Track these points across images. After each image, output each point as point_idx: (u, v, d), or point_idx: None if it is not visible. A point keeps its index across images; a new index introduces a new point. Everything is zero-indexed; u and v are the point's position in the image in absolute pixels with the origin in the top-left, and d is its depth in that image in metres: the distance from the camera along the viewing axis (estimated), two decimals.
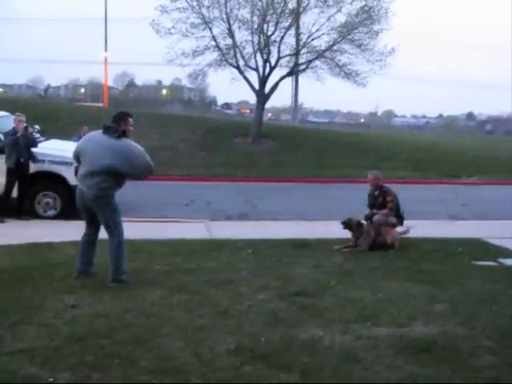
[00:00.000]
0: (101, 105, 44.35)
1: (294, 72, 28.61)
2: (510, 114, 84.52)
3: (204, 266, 7.43)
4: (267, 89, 27.19)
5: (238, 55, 26.59)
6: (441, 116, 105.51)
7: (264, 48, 26.45)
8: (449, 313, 5.65)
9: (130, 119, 6.61)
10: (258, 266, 7.46)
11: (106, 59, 45.24)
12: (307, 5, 26.44)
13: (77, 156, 6.65)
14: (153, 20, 26.00)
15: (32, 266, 7.23)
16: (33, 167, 11.31)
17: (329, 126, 58.57)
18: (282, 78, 27.52)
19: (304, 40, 27.15)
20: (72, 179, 10.07)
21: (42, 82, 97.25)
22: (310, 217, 12.29)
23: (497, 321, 5.42)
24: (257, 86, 27.02)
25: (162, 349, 4.56)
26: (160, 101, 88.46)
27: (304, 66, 28.08)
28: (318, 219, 11.90)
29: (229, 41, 26.60)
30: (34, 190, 11.39)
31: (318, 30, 26.64)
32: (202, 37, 26.38)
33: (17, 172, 11.06)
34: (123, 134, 6.40)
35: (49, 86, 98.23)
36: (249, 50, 26.91)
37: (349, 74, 27.09)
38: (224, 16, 26.07)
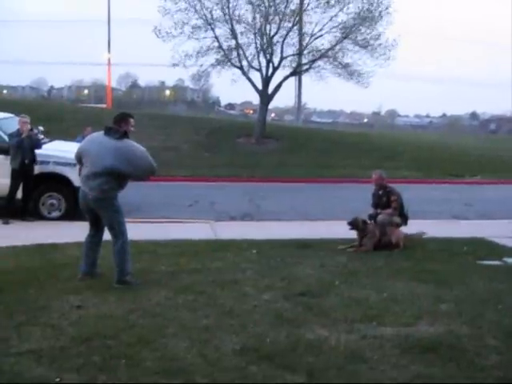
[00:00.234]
0: (104, 106, 44.37)
1: (297, 72, 28.60)
2: None
3: (209, 266, 7.44)
4: (270, 89, 27.20)
5: (241, 56, 26.62)
6: (444, 115, 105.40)
7: (267, 48, 26.46)
8: (454, 312, 5.64)
9: (131, 120, 6.62)
10: (263, 267, 7.47)
11: (109, 60, 45.22)
12: (308, 5, 26.49)
13: (79, 158, 6.65)
14: (155, 27, 26.05)
15: (37, 267, 7.25)
16: (37, 168, 11.34)
17: (332, 126, 58.61)
18: (285, 78, 27.53)
19: (307, 40, 27.18)
20: (76, 180, 10.07)
21: (45, 84, 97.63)
22: (313, 217, 12.29)
23: (502, 320, 5.41)
24: (260, 87, 27.03)
25: (168, 349, 4.57)
26: (163, 102, 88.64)
27: (307, 66, 28.08)
28: (321, 219, 11.90)
29: (232, 42, 26.64)
30: (39, 191, 11.41)
31: (320, 30, 26.68)
32: (205, 38, 26.45)
33: (21, 173, 11.07)
34: (124, 134, 6.41)
35: (52, 88, 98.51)
36: (252, 50, 26.96)
37: (352, 74, 27.09)
38: (227, 17, 26.09)
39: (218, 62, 26.97)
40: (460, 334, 5.01)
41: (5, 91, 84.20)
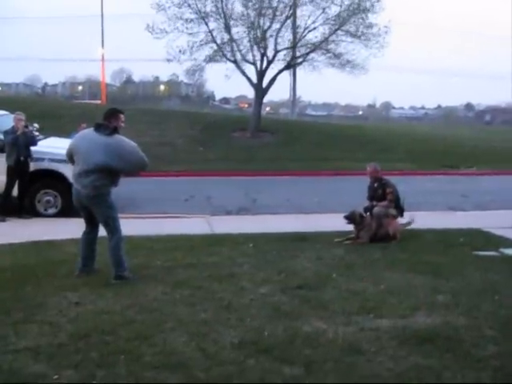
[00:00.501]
0: (99, 102, 44.26)
1: (291, 65, 28.57)
2: (508, 104, 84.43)
3: (205, 260, 7.45)
4: (265, 83, 27.19)
5: (235, 50, 26.56)
6: (439, 107, 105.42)
7: (261, 42, 26.41)
8: (451, 303, 5.66)
9: (122, 115, 6.61)
10: (260, 260, 7.48)
11: (102, 56, 45.13)
12: None
13: (70, 155, 6.63)
14: (148, 25, 25.99)
15: (34, 264, 7.25)
16: (33, 165, 11.32)
17: (327, 119, 58.59)
18: (280, 71, 27.50)
19: (300, 33, 27.13)
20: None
21: (39, 81, 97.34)
22: (309, 210, 12.30)
23: (499, 311, 5.43)
24: (255, 80, 26.99)
25: (167, 344, 4.57)
26: (158, 97, 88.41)
27: (301, 59, 28.05)
28: (317, 212, 11.92)
29: (225, 35, 26.58)
30: (35, 188, 11.39)
31: (314, 22, 26.66)
32: (198, 32, 26.39)
33: (17, 170, 11.06)
34: (115, 130, 6.40)
35: (46, 85, 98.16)
36: (246, 44, 26.91)
37: (345, 64, 27.06)
38: (220, 11, 26.03)
39: (212, 56, 26.91)
40: (457, 325, 5.02)
41: None
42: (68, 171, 10.84)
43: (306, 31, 26.93)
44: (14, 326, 4.95)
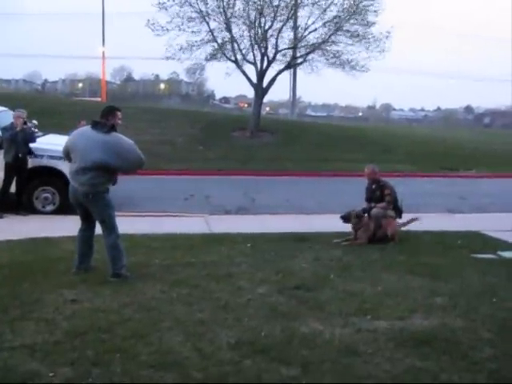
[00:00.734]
0: (99, 99, 44.25)
1: (291, 65, 28.55)
2: (508, 107, 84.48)
3: (203, 260, 7.43)
4: (265, 83, 27.13)
5: (236, 49, 26.55)
6: (439, 109, 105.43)
7: (261, 42, 26.39)
8: (448, 305, 5.66)
9: (119, 113, 6.59)
10: (258, 260, 7.47)
11: (103, 54, 45.12)
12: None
13: (66, 152, 6.60)
14: (148, 20, 25.98)
15: (31, 261, 7.24)
16: (31, 162, 11.30)
17: (327, 120, 58.56)
18: (280, 71, 27.45)
19: (301, 34, 27.11)
20: None
21: (39, 77, 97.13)
22: (308, 210, 12.29)
23: (497, 313, 5.43)
24: (255, 80, 26.97)
25: (163, 343, 4.56)
26: (158, 95, 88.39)
27: (301, 60, 28.03)
28: (316, 213, 11.91)
29: (226, 34, 26.57)
30: (33, 185, 11.38)
31: (313, 23, 26.63)
32: (199, 31, 26.36)
33: (15, 167, 11.05)
34: (112, 128, 6.38)
35: (46, 81, 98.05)
36: (246, 43, 26.89)
37: (345, 64, 27.01)
38: (221, 10, 26.01)
39: (212, 56, 26.90)
40: (454, 327, 5.03)
41: None
42: (66, 168, 10.84)
43: (307, 32, 26.91)
44: (11, 324, 4.94)
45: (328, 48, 26.81)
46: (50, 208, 11.44)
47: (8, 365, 4.13)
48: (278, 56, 26.96)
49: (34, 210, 11.32)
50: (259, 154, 23.37)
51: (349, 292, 6.06)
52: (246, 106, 75.10)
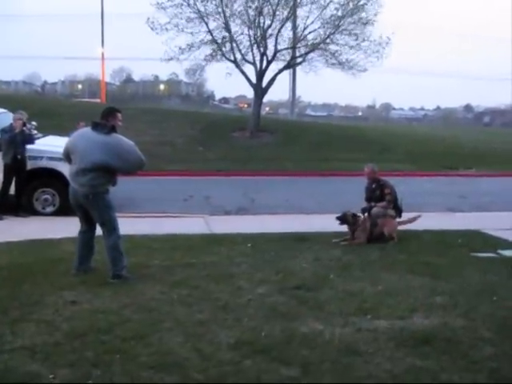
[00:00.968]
0: (98, 101, 44.25)
1: (291, 65, 28.54)
2: (507, 106, 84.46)
3: (203, 260, 7.43)
4: (264, 83, 27.13)
5: (235, 49, 26.55)
6: (438, 108, 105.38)
7: (261, 42, 26.39)
8: (449, 305, 5.65)
9: (119, 114, 6.58)
10: (258, 260, 7.47)
11: (102, 55, 45.09)
12: None
13: (66, 153, 6.59)
14: (148, 18, 25.99)
15: (31, 262, 7.23)
16: (31, 164, 11.30)
17: (327, 120, 58.56)
18: (280, 71, 27.45)
19: (300, 33, 27.11)
20: None
21: (38, 79, 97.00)
22: (308, 210, 12.29)
23: (497, 312, 5.43)
24: (254, 80, 26.96)
25: (163, 344, 4.56)
26: (158, 96, 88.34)
27: (301, 59, 28.02)
28: (316, 213, 11.90)
29: (225, 34, 26.55)
30: (33, 186, 11.37)
31: (312, 23, 26.63)
32: (199, 31, 26.37)
33: (14, 168, 11.05)
34: (112, 129, 6.38)
35: (46, 83, 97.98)
36: (245, 43, 26.89)
37: (344, 64, 27.00)
38: (220, 9, 26.01)
39: (212, 56, 26.90)
40: (455, 327, 5.02)
41: None
42: (66, 170, 10.84)
43: (307, 31, 26.91)
44: (11, 325, 4.94)
45: (327, 48, 26.80)
46: (49, 209, 11.43)
47: (8, 366, 4.13)
48: (278, 55, 26.97)
49: (33, 212, 11.31)
50: (259, 154, 23.37)
51: (349, 292, 6.06)
52: (245, 106, 75.03)
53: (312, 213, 11.95)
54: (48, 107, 27.16)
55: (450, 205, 13.39)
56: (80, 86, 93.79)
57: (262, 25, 26.33)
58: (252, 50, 26.74)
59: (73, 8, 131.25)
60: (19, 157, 11.02)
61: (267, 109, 74.67)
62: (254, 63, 26.75)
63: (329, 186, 17.31)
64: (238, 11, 26.31)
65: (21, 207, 11.24)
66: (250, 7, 26.02)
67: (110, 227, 6.45)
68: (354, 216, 8.90)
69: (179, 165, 20.67)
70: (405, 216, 9.35)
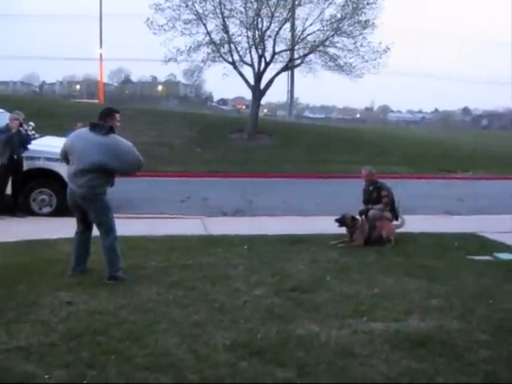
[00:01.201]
0: (96, 101, 44.21)
1: (289, 67, 28.57)
2: (505, 109, 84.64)
3: (200, 261, 7.43)
4: (262, 84, 27.15)
5: (233, 51, 26.57)
6: (436, 111, 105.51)
7: (259, 43, 26.40)
8: (445, 307, 5.65)
9: (117, 115, 6.58)
10: (254, 262, 7.46)
11: (101, 55, 45.05)
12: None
13: (64, 154, 6.58)
14: (147, 19, 26.01)
15: (27, 263, 7.22)
16: (28, 164, 11.30)
17: (325, 122, 58.53)
18: (278, 73, 27.50)
19: (299, 35, 27.13)
20: None
21: (37, 79, 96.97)
22: (306, 212, 12.29)
23: (492, 315, 5.43)
24: (252, 82, 26.98)
25: (158, 345, 4.55)
26: (156, 97, 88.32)
27: (299, 61, 28.04)
28: (314, 215, 11.91)
29: (223, 36, 26.57)
30: (30, 187, 11.36)
31: (311, 25, 26.66)
32: (197, 33, 26.39)
33: (10, 169, 11.04)
34: (110, 130, 6.37)
35: (44, 83, 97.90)
36: (244, 45, 26.92)
37: (343, 67, 27.04)
38: (218, 11, 26.02)
39: (210, 58, 26.92)
40: (450, 329, 5.02)
41: None
42: (63, 170, 10.84)
43: (305, 33, 26.94)
44: (6, 326, 4.93)
45: (326, 50, 26.83)
46: (46, 210, 11.42)
47: (3, 367, 4.12)
48: (276, 57, 27.00)
49: (30, 212, 11.31)
50: (257, 155, 23.38)
51: (345, 294, 6.05)
52: (244, 107, 75.06)
53: (310, 215, 11.96)
54: (46, 108, 27.16)
55: (448, 208, 13.40)
56: (78, 87, 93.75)
57: (260, 26, 26.35)
58: (250, 52, 26.82)
59: (71, 9, 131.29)
60: (16, 157, 11.02)
61: (265, 110, 74.70)
62: (252, 65, 26.78)
63: (326, 188, 17.32)
64: (236, 12, 26.34)
65: (18, 207, 11.23)
66: (250, 8, 26.03)
67: (107, 228, 6.44)
68: (353, 219, 8.91)
69: (177, 166, 20.68)
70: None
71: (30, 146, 11.32)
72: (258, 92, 27.23)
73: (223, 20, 26.11)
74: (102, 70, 47.65)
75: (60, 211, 10.96)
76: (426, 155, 25.32)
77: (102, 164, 6.23)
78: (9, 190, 11.16)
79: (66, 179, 6.71)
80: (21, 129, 11.18)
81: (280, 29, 26.65)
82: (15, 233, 9.20)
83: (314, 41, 26.90)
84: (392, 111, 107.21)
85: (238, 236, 9.07)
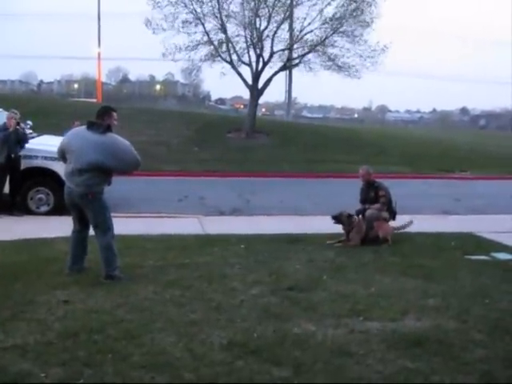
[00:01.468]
0: (94, 100, 44.20)
1: (287, 67, 28.57)
2: (503, 109, 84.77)
3: (197, 261, 7.43)
4: (260, 84, 27.15)
5: (231, 50, 26.56)
6: (434, 111, 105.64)
7: (257, 43, 26.40)
8: (441, 307, 5.66)
9: (114, 113, 6.56)
10: (251, 261, 7.46)
11: (99, 54, 45.07)
12: None
13: (61, 153, 6.57)
14: (146, 18, 26.02)
15: (24, 261, 7.22)
16: (26, 163, 11.29)
17: (323, 122, 58.58)
18: (276, 72, 27.49)
19: (297, 34, 27.13)
20: None
21: (35, 78, 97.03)
22: (303, 212, 12.30)
23: (489, 315, 5.44)
24: (250, 81, 26.97)
25: (155, 344, 4.56)
26: (154, 96, 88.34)
27: (297, 61, 28.03)
28: (311, 214, 11.92)
29: (221, 36, 26.58)
30: (27, 185, 11.35)
31: (309, 24, 26.66)
32: (195, 33, 26.39)
33: (8, 167, 11.03)
34: (108, 128, 6.36)
35: (42, 82, 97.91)
36: (242, 45, 26.91)
37: (341, 67, 27.05)
38: (216, 11, 26.02)
39: (208, 57, 26.91)
40: (447, 329, 5.03)
41: None
42: (61, 169, 10.83)
43: (303, 32, 26.93)
44: (3, 324, 4.93)
45: (324, 50, 26.83)
46: (44, 209, 11.42)
47: None
48: (274, 57, 27.01)
49: (28, 211, 11.30)
50: (254, 155, 23.38)
51: (342, 293, 6.06)
52: (242, 107, 75.04)
53: (307, 214, 11.96)
54: (44, 106, 27.14)
55: (445, 207, 13.42)
56: (76, 86, 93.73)
57: (258, 26, 26.36)
58: (248, 52, 26.80)
59: (70, 8, 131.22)
60: (13, 156, 11.01)
61: (263, 110, 74.77)
62: (250, 64, 26.78)
63: (324, 188, 17.32)
64: (234, 12, 26.35)
65: (15, 206, 11.22)
66: (248, 8, 26.02)
67: (105, 227, 6.43)
68: (350, 217, 8.91)
69: (174, 165, 20.68)
70: (398, 218, 9.36)
71: (27, 145, 11.31)
72: (256, 91, 27.23)
73: (221, 20, 26.10)
74: (100, 69, 47.79)
75: (57, 210, 10.97)
76: (424, 155, 25.34)
77: (99, 163, 6.22)
78: (6, 189, 11.14)
79: (64, 178, 6.69)
80: (18, 127, 11.16)
81: (278, 29, 26.66)
82: (13, 231, 9.19)
83: (312, 40, 26.91)
84: (390, 111, 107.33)
85: (235, 235, 9.07)
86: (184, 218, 11.38)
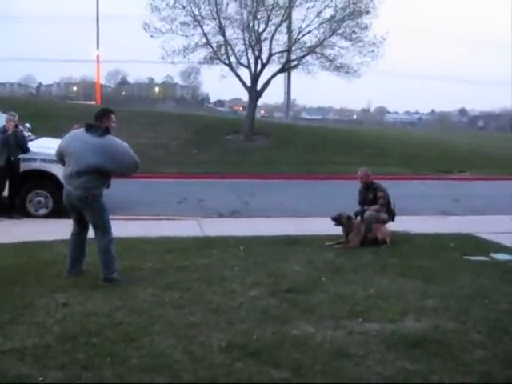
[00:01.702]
0: (93, 103, 44.19)
1: (285, 69, 28.59)
2: (501, 110, 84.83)
3: (196, 263, 7.42)
4: (259, 86, 27.17)
5: (230, 52, 26.57)
6: (433, 112, 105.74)
7: (255, 45, 26.42)
8: (440, 308, 5.66)
9: (113, 116, 6.55)
10: (250, 263, 7.46)
11: (97, 57, 45.06)
12: (297, 0, 26.47)
13: (60, 155, 6.56)
14: (145, 22, 26.04)
15: (23, 264, 7.21)
16: (24, 166, 11.28)
17: (322, 123, 58.59)
18: (274, 74, 27.50)
19: (295, 36, 27.16)
20: None
21: (33, 81, 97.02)
22: (302, 213, 12.29)
23: (488, 315, 5.44)
24: (249, 83, 26.98)
25: (154, 346, 4.55)
26: (153, 98, 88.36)
27: (296, 63, 28.05)
28: (310, 216, 11.91)
29: (220, 38, 26.60)
30: (26, 188, 11.34)
31: (308, 26, 26.67)
32: (193, 35, 26.40)
33: (7, 170, 11.02)
34: (106, 131, 6.36)
35: (41, 85, 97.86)
36: (240, 47, 26.93)
37: (340, 68, 27.06)
38: (214, 13, 26.03)
39: (207, 59, 26.93)
40: (446, 330, 5.03)
41: None
42: (59, 172, 10.82)
43: (301, 34, 26.94)
44: (1, 327, 4.92)
45: (323, 51, 26.84)
46: (42, 211, 11.41)
47: None
48: (273, 59, 27.01)
49: (26, 214, 11.29)
50: (253, 157, 23.39)
51: (341, 295, 6.05)
52: (240, 109, 75.04)
53: (305, 216, 11.96)
54: (43, 109, 27.15)
55: (444, 208, 13.42)
56: (75, 88, 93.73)
57: (256, 28, 26.37)
58: (247, 54, 26.81)
59: (68, 10, 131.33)
60: (13, 158, 11.00)
61: (262, 112, 74.79)
62: (248, 66, 26.79)
63: (323, 189, 17.33)
64: (232, 15, 26.37)
65: (14, 209, 11.21)
66: (249, 11, 26.03)
67: (103, 230, 6.43)
68: (349, 218, 8.91)
69: (173, 167, 20.69)
70: (397, 219, 9.35)
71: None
72: (255, 93, 27.24)
73: (219, 22, 26.11)
74: (99, 72, 47.76)
75: (56, 213, 10.95)
76: (423, 156, 25.36)
77: (97, 166, 6.21)
78: (5, 192, 11.12)
79: (62, 181, 6.68)
80: (16, 130, 11.16)
81: (276, 31, 26.67)
82: (12, 234, 9.17)
83: (311, 41, 26.95)
84: (389, 112, 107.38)
85: (234, 237, 9.06)
86: (183, 220, 11.37)
